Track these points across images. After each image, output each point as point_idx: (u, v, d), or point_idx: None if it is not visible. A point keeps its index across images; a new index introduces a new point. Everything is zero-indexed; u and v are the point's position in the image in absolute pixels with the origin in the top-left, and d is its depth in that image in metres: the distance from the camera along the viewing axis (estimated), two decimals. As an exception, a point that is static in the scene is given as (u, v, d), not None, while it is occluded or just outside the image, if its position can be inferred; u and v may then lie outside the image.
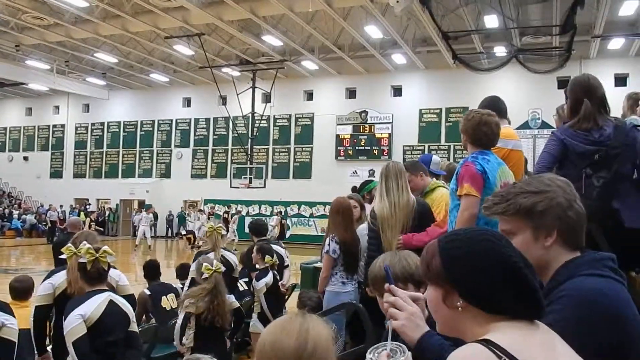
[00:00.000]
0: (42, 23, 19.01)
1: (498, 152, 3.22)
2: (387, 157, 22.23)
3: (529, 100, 19.60)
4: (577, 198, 1.49)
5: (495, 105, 3.65)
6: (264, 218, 16.40)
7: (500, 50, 18.28)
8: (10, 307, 3.10)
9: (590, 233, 1.55)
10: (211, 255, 4.80)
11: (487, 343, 1.08)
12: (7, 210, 25.92)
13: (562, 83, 19.25)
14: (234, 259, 5.11)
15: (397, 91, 23.12)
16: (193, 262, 4.82)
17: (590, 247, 1.53)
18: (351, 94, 23.81)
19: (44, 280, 3.58)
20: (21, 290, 4.36)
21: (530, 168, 4.89)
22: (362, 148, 23.09)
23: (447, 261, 1.19)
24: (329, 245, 4.11)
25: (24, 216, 25.26)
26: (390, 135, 22.58)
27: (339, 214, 4.20)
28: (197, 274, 4.08)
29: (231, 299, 4.12)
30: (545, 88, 18.88)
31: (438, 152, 20.67)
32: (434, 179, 4.32)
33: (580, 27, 14.38)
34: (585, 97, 2.76)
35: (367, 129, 23.12)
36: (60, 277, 3.48)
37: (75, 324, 2.89)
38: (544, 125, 19.56)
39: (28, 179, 29.30)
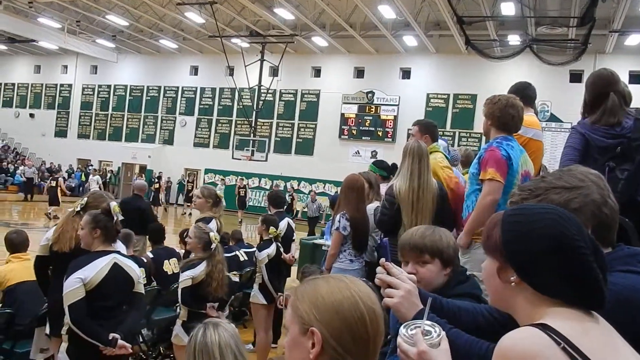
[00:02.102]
0: (55, -20, 18.78)
1: (517, 139, 3.17)
2: (391, 140, 22.19)
3: (539, 91, 18.94)
4: (610, 193, 1.43)
5: (525, 91, 3.57)
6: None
7: (514, 39, 18.10)
8: None
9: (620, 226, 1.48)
10: (213, 223, 4.81)
11: (545, 328, 1.03)
12: (11, 166, 25.94)
13: (574, 76, 19.11)
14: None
15: (406, 74, 22.94)
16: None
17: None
18: (359, 73, 23.63)
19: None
20: (17, 242, 4.39)
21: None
22: (367, 129, 23.00)
23: (506, 235, 1.15)
24: (339, 222, 4.06)
25: (22, 167, 25.10)
26: (395, 117, 22.48)
27: (352, 191, 4.16)
28: (199, 242, 4.02)
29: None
30: (557, 80, 18.73)
31: (443, 138, 20.60)
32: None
33: (599, 20, 14.23)
34: (609, 90, 2.71)
35: (373, 109, 22.99)
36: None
37: (73, 287, 2.88)
38: (553, 118, 19.46)
39: (33, 136, 29.29)
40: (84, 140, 28.79)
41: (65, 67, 29.49)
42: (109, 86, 28.47)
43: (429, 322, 1.29)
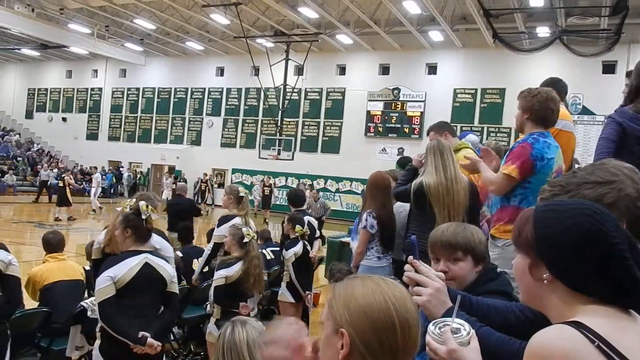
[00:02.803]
0: (84, -13, 19.21)
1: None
2: (417, 136, 21.99)
3: (570, 84, 18.62)
4: None
5: (556, 86, 3.47)
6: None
7: (543, 31, 17.69)
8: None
9: None
10: (237, 220, 4.86)
11: (579, 326, 1.00)
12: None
13: (607, 68, 18.61)
14: (252, 225, 5.14)
15: (432, 69, 22.69)
16: (217, 227, 4.86)
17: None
18: (384, 70, 23.48)
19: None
20: (54, 242, 4.51)
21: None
22: (393, 125, 22.84)
23: (539, 232, 1.12)
24: (366, 220, 4.06)
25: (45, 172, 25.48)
26: (422, 113, 22.26)
27: (379, 189, 4.15)
28: (233, 239, 4.10)
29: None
30: (589, 72, 18.25)
31: (474, 132, 20.32)
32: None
33: (632, 9, 13.81)
34: None
35: (399, 106, 22.82)
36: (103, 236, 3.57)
37: (103, 285, 2.93)
38: (585, 110, 18.97)
39: (66, 139, 30.03)
40: (114, 143, 29.37)
41: (96, 71, 30.13)
42: (137, 89, 28.98)
43: (458, 320, 1.26)
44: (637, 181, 1.38)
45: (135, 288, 2.98)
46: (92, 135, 30.12)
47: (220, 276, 3.88)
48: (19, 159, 27.53)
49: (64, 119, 30.74)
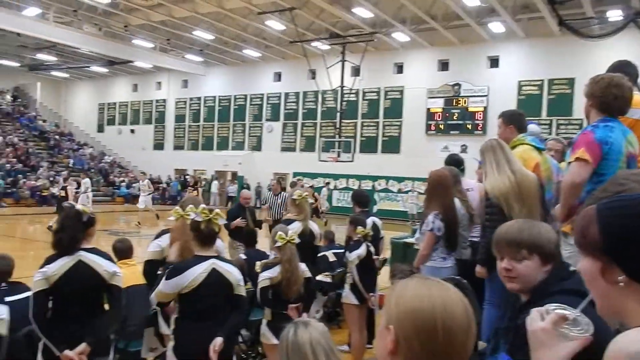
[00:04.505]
0: (147, 3, 20.06)
1: (622, 122, 2.90)
2: (481, 132, 21.38)
3: None
4: None
5: (624, 69, 3.25)
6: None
7: (614, 15, 16.71)
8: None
9: None
10: (296, 224, 4.87)
11: None
12: (117, 179, 28.12)
13: (686, 50, 17.36)
14: (316, 227, 5.13)
15: (494, 62, 21.99)
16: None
17: None
18: (443, 66, 22.99)
19: (153, 240, 3.80)
20: (123, 250, 4.68)
21: None
22: (454, 122, 22.32)
23: (606, 231, 1.03)
24: (433, 222, 3.97)
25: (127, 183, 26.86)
26: (485, 109, 21.62)
27: (442, 188, 4.06)
28: (271, 243, 4.11)
29: (302, 268, 4.06)
30: (666, 56, 17.08)
31: (536, 123, 19.53)
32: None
33: None
34: None
35: (460, 102, 22.29)
36: (166, 239, 3.63)
37: (167, 290, 3.08)
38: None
39: (134, 150, 31.45)
40: (179, 152, 30.43)
41: (159, 83, 31.37)
42: (199, 98, 29.89)
43: (583, 317, 1.18)
44: None
45: (202, 293, 3.05)
46: (159, 145, 31.35)
47: (264, 278, 3.90)
48: (92, 170, 29.06)
49: (132, 131, 32.19)
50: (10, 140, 27.83)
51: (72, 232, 3.05)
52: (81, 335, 2.94)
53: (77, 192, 16.07)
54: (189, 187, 18.68)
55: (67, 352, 2.86)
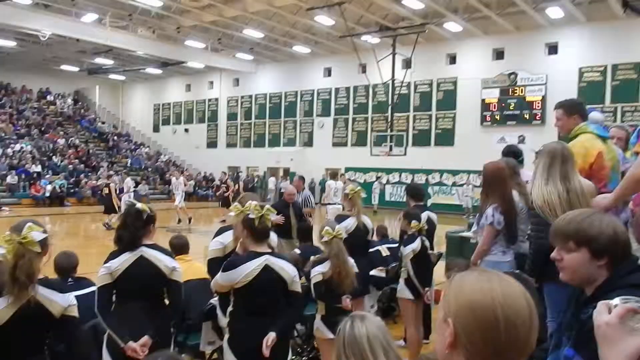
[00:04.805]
0: (198, 5, 20.53)
1: None
2: (539, 122, 20.63)
3: None
4: None
5: None
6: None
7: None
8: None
9: None
10: (350, 220, 4.82)
11: None
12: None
13: None
14: (369, 222, 5.08)
15: (552, 49, 21.11)
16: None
17: None
18: (498, 55, 22.30)
19: (214, 237, 3.83)
20: (180, 245, 4.79)
21: None
22: (511, 113, 21.62)
23: None
24: (492, 216, 3.88)
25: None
26: (543, 97, 20.81)
27: (500, 180, 3.94)
28: (319, 238, 4.11)
29: (350, 263, 4.07)
30: None
31: (599, 110, 18.64)
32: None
33: None
34: None
35: (517, 91, 21.56)
36: (228, 237, 3.67)
37: (222, 282, 3.14)
38: None
39: (188, 149, 32.30)
40: (231, 149, 31.00)
41: (211, 82, 32.03)
42: (250, 96, 30.32)
43: None
44: None
45: (256, 289, 3.08)
46: (212, 144, 32.05)
47: (316, 272, 3.96)
48: (149, 169, 30.08)
49: (186, 130, 33.06)
50: (72, 142, 29.24)
51: (133, 229, 3.13)
52: (143, 329, 3.02)
53: (120, 193, 15.94)
54: (222, 185, 18.06)
55: (130, 343, 2.94)
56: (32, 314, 2.43)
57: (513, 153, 4.89)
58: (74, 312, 2.62)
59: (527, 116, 21.20)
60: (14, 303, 2.38)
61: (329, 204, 14.59)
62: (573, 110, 3.76)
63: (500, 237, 3.95)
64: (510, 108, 21.62)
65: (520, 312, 1.06)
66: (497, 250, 3.98)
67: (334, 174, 15.52)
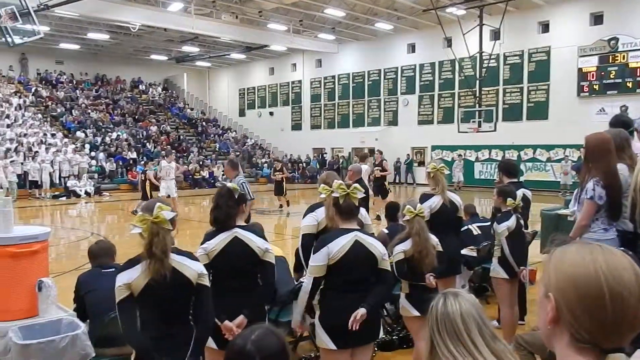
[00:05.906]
0: (279, -13, 20.70)
1: None
2: (645, 90, 18.98)
3: None
4: None
5: None
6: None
7: None
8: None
9: None
10: (435, 199, 4.69)
11: None
12: (259, 160, 29.85)
13: None
14: (457, 198, 4.91)
15: (659, 9, 19.26)
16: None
17: None
18: (597, 19, 20.65)
19: (305, 214, 3.89)
20: (259, 228, 4.93)
21: None
22: (612, 81, 20.05)
23: None
24: (593, 190, 3.62)
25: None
26: (649, 63, 19.10)
27: (603, 152, 3.65)
28: (400, 217, 4.11)
29: (434, 240, 4.06)
30: None
31: None
32: None
33: None
34: None
35: (618, 58, 19.93)
36: (321, 213, 3.70)
37: (317, 263, 3.13)
38: None
39: (274, 132, 33.00)
40: (316, 131, 31.29)
41: (294, 65, 32.38)
42: (333, 77, 30.34)
43: None
44: None
45: (347, 264, 3.10)
46: (296, 126, 32.52)
47: (398, 251, 3.98)
48: (237, 153, 31.13)
49: (271, 113, 33.76)
50: (164, 128, 30.82)
51: (226, 208, 3.25)
52: (239, 308, 3.14)
53: (158, 178, 14.74)
54: (276, 173, 15.98)
55: (227, 322, 3.08)
56: (170, 281, 2.56)
57: (623, 123, 4.49)
58: (206, 282, 2.74)
59: (629, 84, 19.58)
60: (149, 272, 2.54)
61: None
62: None
63: (601, 214, 3.68)
64: (611, 76, 20.05)
65: (627, 283, 0.99)
66: (598, 227, 3.71)
67: (363, 157, 13.21)
